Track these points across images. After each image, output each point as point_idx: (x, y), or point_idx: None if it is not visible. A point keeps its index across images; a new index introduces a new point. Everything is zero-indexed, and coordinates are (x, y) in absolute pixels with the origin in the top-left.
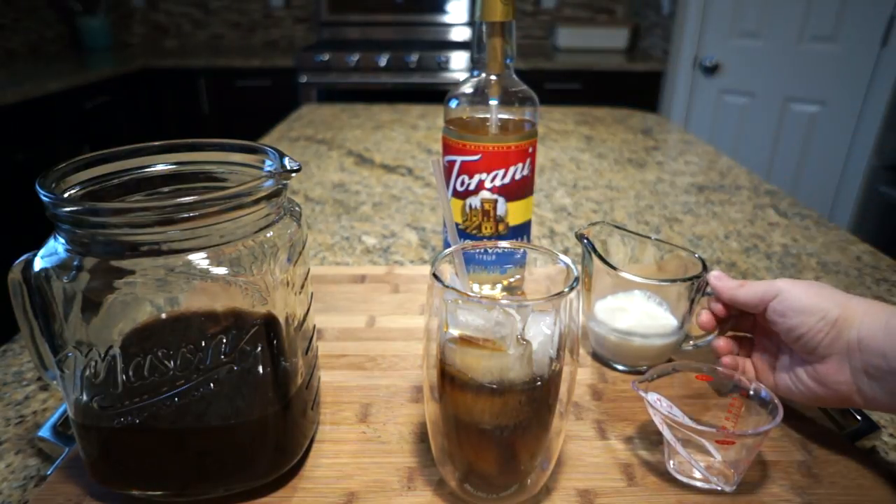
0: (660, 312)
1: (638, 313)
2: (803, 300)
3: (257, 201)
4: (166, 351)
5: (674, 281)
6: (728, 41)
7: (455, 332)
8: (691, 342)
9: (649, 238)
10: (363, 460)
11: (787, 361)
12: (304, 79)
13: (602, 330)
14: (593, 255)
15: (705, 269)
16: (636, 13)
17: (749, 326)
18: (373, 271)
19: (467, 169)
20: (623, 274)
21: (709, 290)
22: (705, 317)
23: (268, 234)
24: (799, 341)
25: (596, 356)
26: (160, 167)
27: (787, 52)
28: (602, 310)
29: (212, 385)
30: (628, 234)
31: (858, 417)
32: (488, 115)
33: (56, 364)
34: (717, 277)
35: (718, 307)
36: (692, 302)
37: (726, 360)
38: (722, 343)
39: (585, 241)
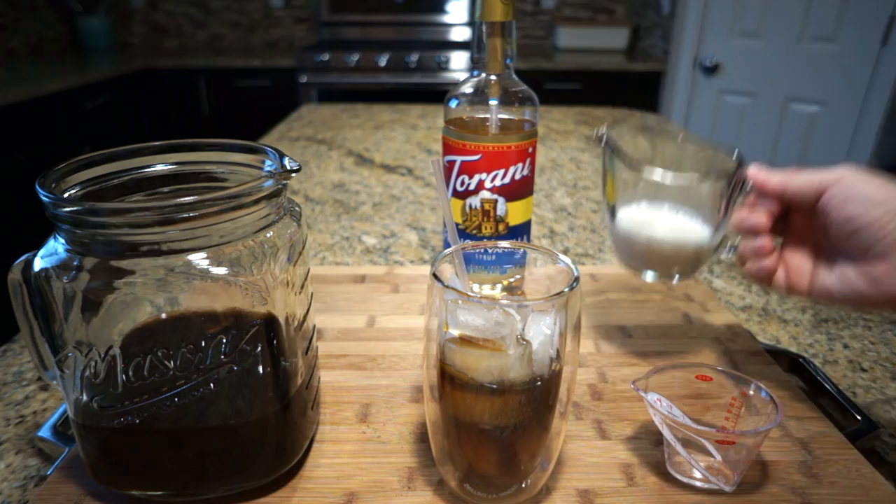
0: (692, 218)
1: (668, 219)
2: (870, 188)
3: (257, 201)
4: (166, 351)
5: (706, 178)
6: (728, 41)
7: (455, 333)
8: (730, 246)
9: (677, 139)
10: (363, 460)
11: (829, 261)
12: (304, 79)
13: (629, 234)
14: (615, 156)
15: (742, 163)
16: (636, 13)
17: (780, 229)
18: (373, 271)
19: (467, 169)
20: (650, 171)
21: (747, 187)
22: (758, 216)
23: (268, 234)
24: (856, 235)
25: (599, 350)
26: (160, 167)
27: (787, 52)
28: (627, 217)
29: (212, 385)
30: (652, 135)
31: (858, 417)
32: (488, 115)
33: (56, 364)
34: (757, 169)
35: (770, 204)
36: (729, 203)
37: (769, 261)
38: (767, 241)
39: (605, 139)
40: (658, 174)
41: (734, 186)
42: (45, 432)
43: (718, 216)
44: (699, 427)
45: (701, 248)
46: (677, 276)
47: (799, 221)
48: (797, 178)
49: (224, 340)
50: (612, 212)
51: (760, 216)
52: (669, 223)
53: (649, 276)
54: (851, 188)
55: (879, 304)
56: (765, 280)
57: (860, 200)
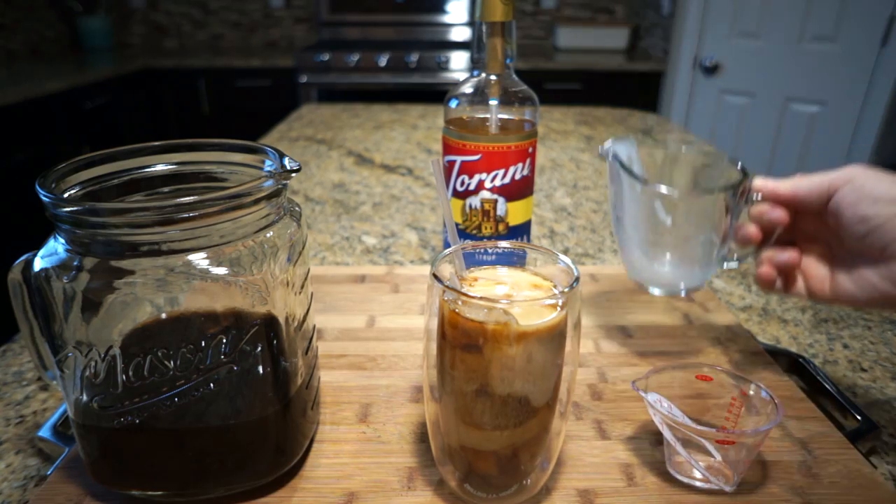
0: (699, 231)
1: (675, 235)
2: (883, 186)
3: (257, 201)
4: (166, 351)
5: (713, 190)
6: (728, 41)
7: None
8: (735, 257)
9: (679, 147)
10: (363, 460)
11: (846, 265)
12: (304, 79)
13: (633, 254)
14: (622, 170)
15: (746, 175)
16: (636, 13)
17: (790, 237)
18: (373, 271)
19: (467, 169)
20: (657, 187)
21: (754, 196)
22: (750, 229)
23: (268, 234)
24: (871, 235)
25: (603, 350)
26: (160, 167)
27: (787, 52)
28: (635, 234)
29: (212, 385)
30: (658, 146)
31: (858, 417)
32: (488, 115)
33: (56, 364)
34: (763, 180)
35: (771, 216)
36: (733, 215)
37: (773, 290)
38: (765, 270)
39: (613, 156)
40: (666, 189)
41: (738, 197)
42: (45, 432)
43: (724, 228)
44: (699, 427)
45: (706, 261)
46: (684, 289)
47: (809, 227)
48: (805, 181)
49: (224, 340)
50: (621, 225)
51: (754, 229)
52: (675, 248)
53: (656, 290)
54: (863, 188)
55: None
56: (786, 289)
57: (873, 199)
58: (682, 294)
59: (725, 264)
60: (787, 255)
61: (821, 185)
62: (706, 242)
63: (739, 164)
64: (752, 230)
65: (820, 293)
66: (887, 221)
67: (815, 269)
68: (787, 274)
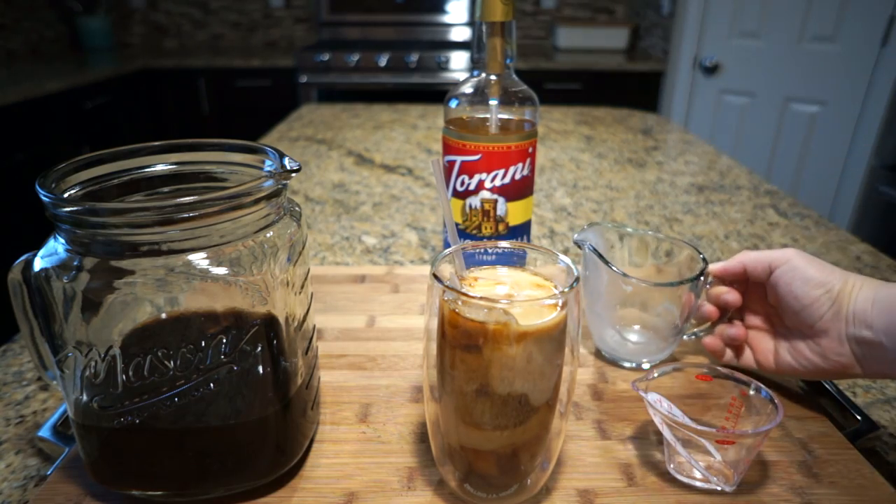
0: (664, 311)
1: (643, 314)
2: (811, 271)
3: (257, 201)
4: (166, 351)
5: (681, 282)
6: (728, 41)
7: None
8: (694, 330)
9: (647, 234)
10: (363, 460)
11: (785, 339)
12: (304, 79)
13: (605, 332)
14: (599, 260)
15: (706, 263)
16: (636, 13)
17: (741, 315)
18: (373, 271)
19: (467, 169)
20: (631, 279)
21: (709, 281)
22: (708, 308)
23: (268, 234)
24: (801, 313)
25: (599, 355)
26: (160, 167)
27: (787, 52)
28: (606, 312)
29: (212, 385)
30: (626, 233)
31: (858, 417)
32: (488, 115)
33: (56, 364)
34: (715, 265)
35: (726, 298)
36: (696, 296)
37: (724, 360)
38: (709, 341)
39: (588, 246)
40: (637, 280)
41: (701, 282)
42: (45, 432)
43: (686, 307)
44: (699, 427)
45: (671, 336)
46: (652, 362)
47: (757, 305)
48: (751, 256)
49: (224, 340)
50: (594, 307)
51: (713, 308)
52: (642, 325)
53: (627, 364)
54: (796, 269)
55: (834, 374)
56: (737, 359)
57: (804, 281)
58: (646, 367)
59: (686, 337)
60: (735, 330)
61: (763, 261)
62: (671, 320)
63: (701, 255)
64: (712, 309)
65: (765, 364)
66: (815, 301)
67: (761, 343)
68: (736, 347)
